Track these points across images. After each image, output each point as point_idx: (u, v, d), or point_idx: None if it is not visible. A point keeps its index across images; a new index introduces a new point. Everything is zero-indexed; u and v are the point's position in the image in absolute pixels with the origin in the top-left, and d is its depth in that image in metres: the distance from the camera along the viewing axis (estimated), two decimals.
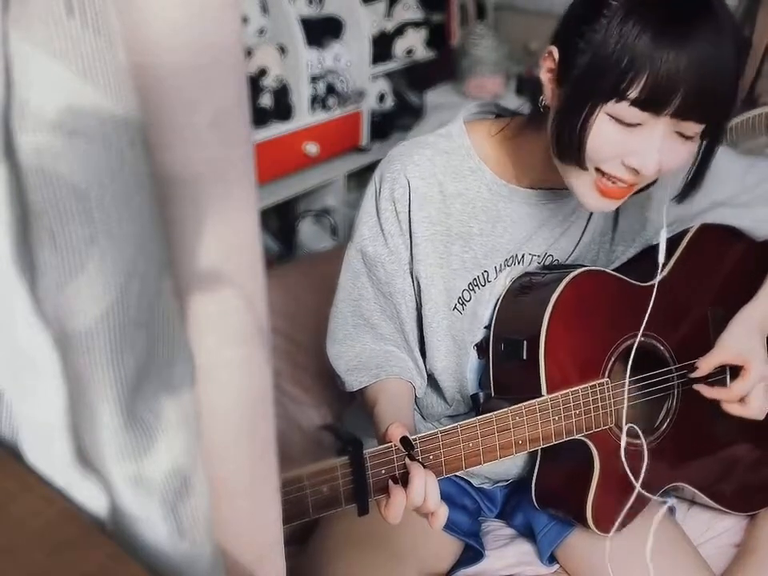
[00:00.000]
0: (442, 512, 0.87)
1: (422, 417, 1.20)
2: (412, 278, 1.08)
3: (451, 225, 1.06)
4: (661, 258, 1.01)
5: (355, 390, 1.08)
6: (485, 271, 1.08)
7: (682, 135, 0.90)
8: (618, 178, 0.92)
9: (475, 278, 1.08)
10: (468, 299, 1.08)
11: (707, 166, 0.98)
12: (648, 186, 1.04)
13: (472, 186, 1.06)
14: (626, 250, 1.16)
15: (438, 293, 1.07)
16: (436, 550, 1.14)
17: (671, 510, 1.22)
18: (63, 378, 0.39)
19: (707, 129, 0.91)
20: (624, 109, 0.87)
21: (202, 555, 0.45)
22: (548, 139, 0.98)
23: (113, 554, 0.40)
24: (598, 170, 0.93)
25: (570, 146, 0.92)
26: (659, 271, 1.03)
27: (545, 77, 0.96)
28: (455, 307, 1.08)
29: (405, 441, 0.88)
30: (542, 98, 0.98)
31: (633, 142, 0.89)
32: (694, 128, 0.90)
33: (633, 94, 0.86)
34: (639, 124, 0.88)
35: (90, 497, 0.42)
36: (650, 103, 0.86)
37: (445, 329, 1.09)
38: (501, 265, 1.09)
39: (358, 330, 1.10)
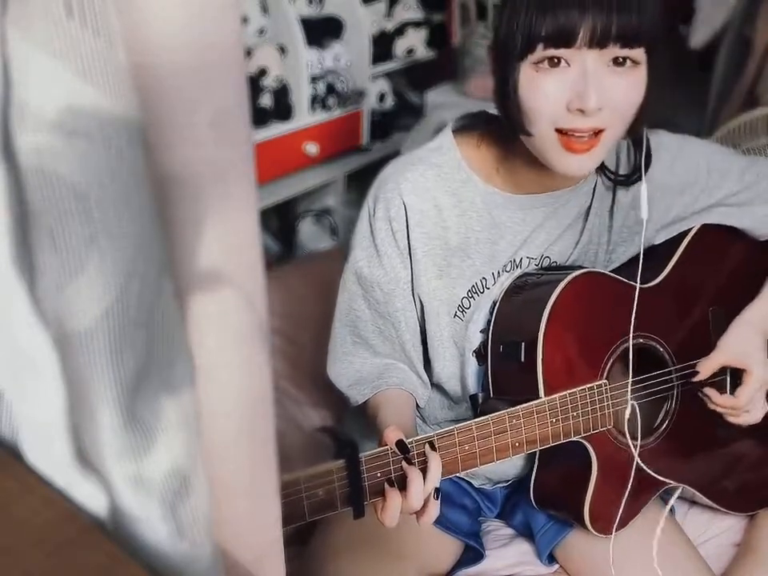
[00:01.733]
0: (434, 509, 0.88)
1: (423, 421, 1.20)
2: (413, 295, 1.08)
3: (449, 237, 1.06)
4: (644, 214, 1.02)
5: (360, 403, 1.09)
6: (483, 278, 1.08)
7: (618, 64, 0.92)
8: (575, 129, 0.93)
9: (474, 285, 1.08)
10: (468, 306, 1.08)
11: (649, 97, 0.98)
12: (636, 175, 1.04)
13: (465, 198, 1.06)
14: (626, 251, 1.16)
15: (439, 304, 1.07)
16: (436, 551, 1.14)
17: (671, 510, 1.22)
18: (63, 378, 0.39)
19: (647, 54, 0.92)
20: (542, 53, 0.90)
21: (201, 555, 0.45)
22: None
23: (113, 554, 0.40)
24: (557, 131, 0.94)
25: (514, 112, 0.95)
26: (642, 236, 1.04)
27: (492, 65, 0.99)
28: (456, 315, 1.08)
29: (400, 444, 0.88)
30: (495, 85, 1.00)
31: (568, 85, 0.91)
32: (625, 53, 0.91)
33: (541, 33, 0.89)
34: (567, 65, 0.90)
35: (89, 497, 0.42)
36: (560, 38, 0.89)
37: (447, 336, 1.09)
38: (499, 271, 1.09)
39: (357, 348, 1.10)
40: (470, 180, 1.06)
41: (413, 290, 1.08)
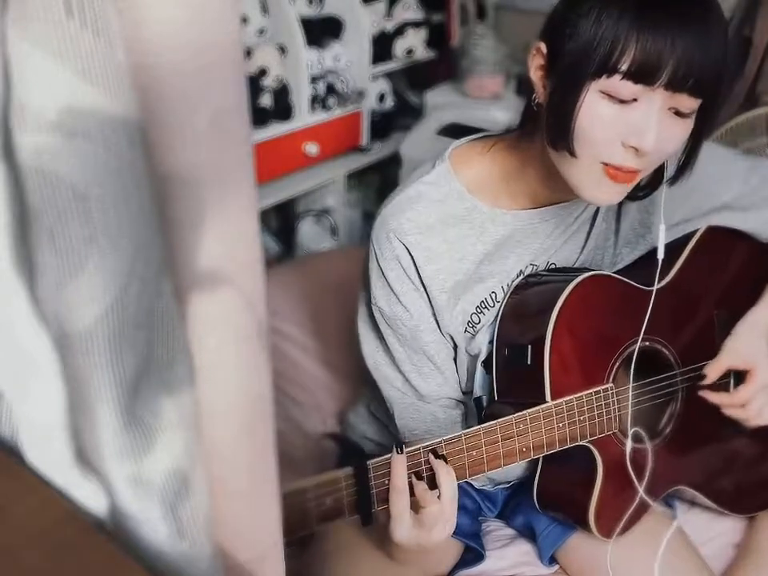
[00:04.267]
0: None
1: None
2: (440, 329, 1.06)
3: (466, 267, 1.05)
4: (660, 254, 1.01)
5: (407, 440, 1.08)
6: (493, 292, 1.08)
7: (676, 113, 0.90)
8: (622, 167, 0.92)
9: (482, 301, 1.07)
10: (478, 321, 1.08)
11: (699, 147, 0.98)
12: (652, 189, 1.03)
13: (474, 224, 1.04)
14: (631, 252, 1.15)
15: (456, 324, 1.07)
16: (436, 551, 1.14)
17: (673, 513, 1.21)
18: (63, 378, 0.39)
19: (701, 106, 0.91)
20: (617, 83, 0.87)
21: (201, 555, 0.45)
22: (543, 149, 0.98)
23: (113, 554, 0.40)
24: (603, 164, 0.92)
25: (563, 131, 0.92)
26: (657, 274, 1.03)
27: (535, 75, 0.96)
28: (466, 330, 1.08)
29: (397, 444, 0.89)
30: (534, 96, 0.98)
31: (630, 120, 0.89)
32: (689, 103, 0.89)
33: (624, 66, 0.86)
34: (634, 99, 0.88)
35: (89, 497, 0.42)
36: (642, 74, 0.86)
37: (461, 348, 1.09)
38: (509, 284, 1.08)
39: (412, 409, 1.08)
40: (474, 208, 1.04)
41: (438, 325, 1.06)
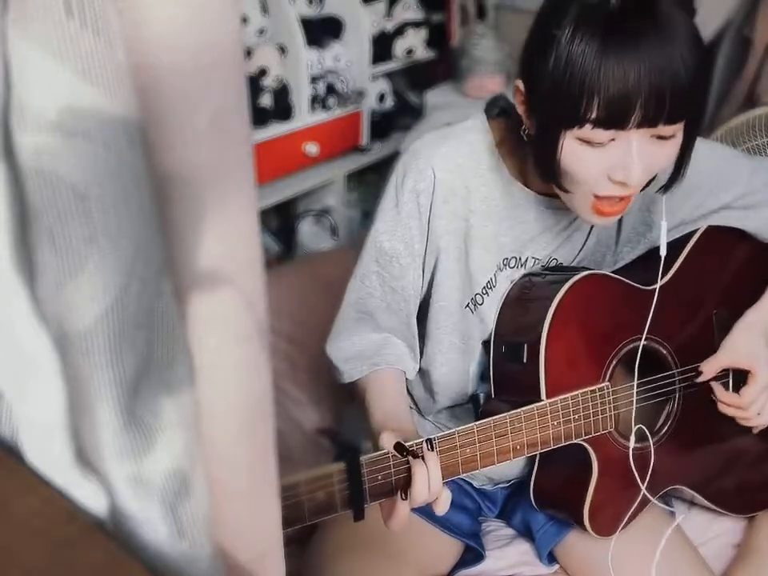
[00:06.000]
0: (445, 496, 0.88)
1: (420, 413, 1.20)
2: (423, 270, 1.08)
3: (472, 223, 1.06)
4: (663, 251, 1.01)
5: (355, 379, 1.08)
6: (498, 270, 1.08)
7: (660, 138, 0.90)
8: (612, 197, 0.93)
9: (489, 281, 1.08)
10: (481, 302, 1.08)
11: (690, 154, 0.98)
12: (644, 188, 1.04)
13: (489, 183, 1.05)
14: (631, 251, 1.15)
15: (452, 288, 1.07)
16: (436, 551, 1.14)
17: (672, 512, 1.21)
18: (63, 378, 0.39)
19: (687, 122, 0.91)
20: (589, 131, 0.88)
21: (201, 555, 0.45)
22: None
23: (113, 554, 0.40)
24: (594, 196, 0.93)
25: (550, 172, 0.94)
26: (660, 271, 1.03)
27: (520, 109, 0.98)
28: (467, 305, 1.08)
29: (399, 446, 0.88)
30: (523, 127, 0.99)
31: (612, 158, 0.90)
32: (669, 129, 0.89)
33: (591, 116, 0.86)
34: (612, 140, 0.89)
35: (89, 497, 0.42)
36: (611, 121, 0.87)
37: (453, 324, 1.08)
38: (501, 263, 1.08)
39: (359, 324, 1.10)
40: (497, 167, 1.05)
41: (424, 265, 1.07)
